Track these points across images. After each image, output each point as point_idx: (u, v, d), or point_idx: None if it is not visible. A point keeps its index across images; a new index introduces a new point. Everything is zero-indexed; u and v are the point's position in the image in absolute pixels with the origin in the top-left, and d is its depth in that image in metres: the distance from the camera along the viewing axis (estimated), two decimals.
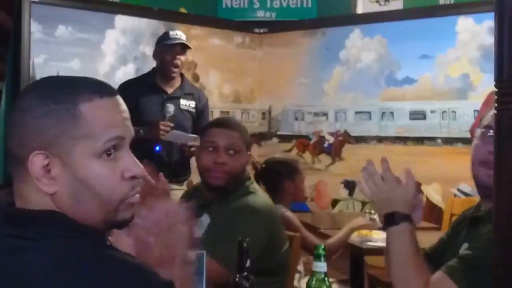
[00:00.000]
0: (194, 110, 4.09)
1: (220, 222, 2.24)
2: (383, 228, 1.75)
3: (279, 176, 3.37)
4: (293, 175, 3.39)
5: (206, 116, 4.17)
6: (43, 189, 1.07)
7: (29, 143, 1.07)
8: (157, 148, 3.90)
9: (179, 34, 4.05)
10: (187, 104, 4.07)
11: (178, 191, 3.47)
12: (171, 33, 4.06)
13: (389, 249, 1.69)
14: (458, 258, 1.63)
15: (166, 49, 3.98)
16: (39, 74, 4.38)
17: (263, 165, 3.57)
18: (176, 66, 4.00)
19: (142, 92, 3.94)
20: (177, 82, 4.09)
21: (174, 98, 4.02)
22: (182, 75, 4.15)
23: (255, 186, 2.42)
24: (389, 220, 1.70)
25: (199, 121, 4.08)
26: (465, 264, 1.59)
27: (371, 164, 1.75)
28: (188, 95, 4.10)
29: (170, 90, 4.05)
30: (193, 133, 3.94)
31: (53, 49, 4.41)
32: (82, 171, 1.07)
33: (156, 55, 4.08)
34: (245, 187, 2.35)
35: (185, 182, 4.11)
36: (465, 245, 1.71)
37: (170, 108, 3.93)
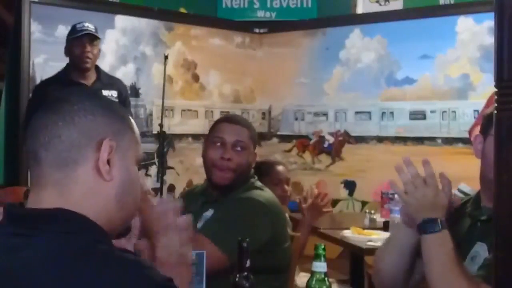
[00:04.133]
0: (117, 100, 4.02)
1: (223, 211, 2.24)
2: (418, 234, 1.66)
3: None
4: (262, 177, 2.98)
5: (127, 105, 4.15)
6: (104, 174, 1.12)
7: (98, 129, 1.12)
8: None
9: (86, 25, 3.98)
10: (109, 94, 4.02)
11: None
12: (78, 25, 3.98)
13: (429, 257, 1.62)
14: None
15: (73, 43, 3.93)
16: (39, 74, 4.38)
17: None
18: (87, 58, 3.94)
19: (59, 89, 3.81)
20: (93, 75, 4.03)
21: None
22: (97, 67, 4.09)
23: (260, 183, 2.42)
24: (430, 227, 1.63)
25: None
26: None
27: (412, 165, 1.67)
28: (108, 85, 4.07)
29: (88, 83, 3.99)
30: None
31: (53, 49, 4.40)
32: (132, 169, 1.18)
33: (66, 51, 4.01)
34: (251, 183, 2.35)
35: None
36: (481, 244, 1.69)
37: None
